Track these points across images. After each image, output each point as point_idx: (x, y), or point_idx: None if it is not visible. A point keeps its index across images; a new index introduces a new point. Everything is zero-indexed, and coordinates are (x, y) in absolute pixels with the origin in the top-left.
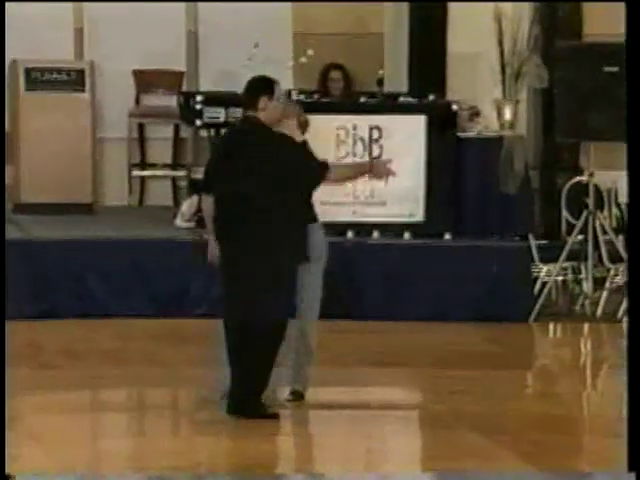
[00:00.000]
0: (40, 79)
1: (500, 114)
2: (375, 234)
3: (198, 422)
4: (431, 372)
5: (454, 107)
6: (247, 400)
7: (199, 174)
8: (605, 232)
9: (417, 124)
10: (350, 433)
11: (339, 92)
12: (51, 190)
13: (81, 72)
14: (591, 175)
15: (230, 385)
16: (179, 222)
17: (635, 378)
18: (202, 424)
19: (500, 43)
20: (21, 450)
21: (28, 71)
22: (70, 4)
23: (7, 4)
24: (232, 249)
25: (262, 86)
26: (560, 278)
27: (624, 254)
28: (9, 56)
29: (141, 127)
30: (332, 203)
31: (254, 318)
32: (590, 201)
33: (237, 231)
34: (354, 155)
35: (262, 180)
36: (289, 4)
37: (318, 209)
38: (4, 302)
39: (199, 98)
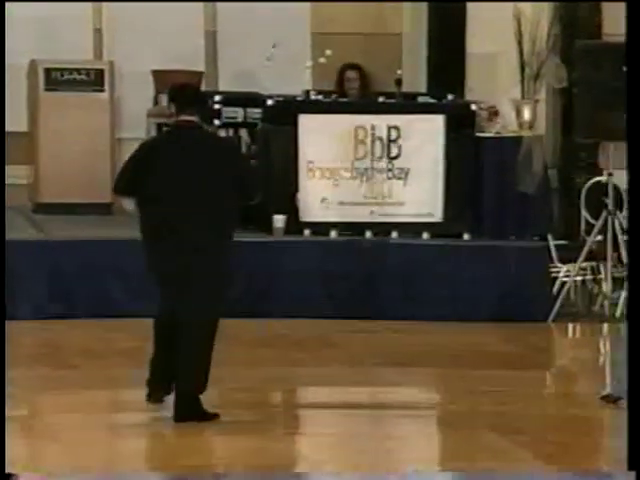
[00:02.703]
0: (59, 79)
1: (519, 114)
2: (394, 234)
3: (216, 421)
4: (450, 372)
5: (473, 107)
6: (197, 402)
7: None
8: (624, 232)
9: (436, 124)
10: (369, 433)
11: (355, 92)
12: (70, 190)
13: (100, 72)
14: (610, 175)
15: (175, 387)
16: None
17: (635, 378)
18: (221, 423)
19: (519, 43)
20: (40, 449)
21: (47, 71)
22: (89, 4)
23: (26, 4)
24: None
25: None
26: (579, 278)
27: None
28: (29, 56)
29: (160, 127)
30: (351, 203)
31: (200, 317)
32: (609, 201)
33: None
34: (372, 155)
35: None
36: (307, 4)
37: (336, 209)
38: (4, 302)
39: (217, 98)
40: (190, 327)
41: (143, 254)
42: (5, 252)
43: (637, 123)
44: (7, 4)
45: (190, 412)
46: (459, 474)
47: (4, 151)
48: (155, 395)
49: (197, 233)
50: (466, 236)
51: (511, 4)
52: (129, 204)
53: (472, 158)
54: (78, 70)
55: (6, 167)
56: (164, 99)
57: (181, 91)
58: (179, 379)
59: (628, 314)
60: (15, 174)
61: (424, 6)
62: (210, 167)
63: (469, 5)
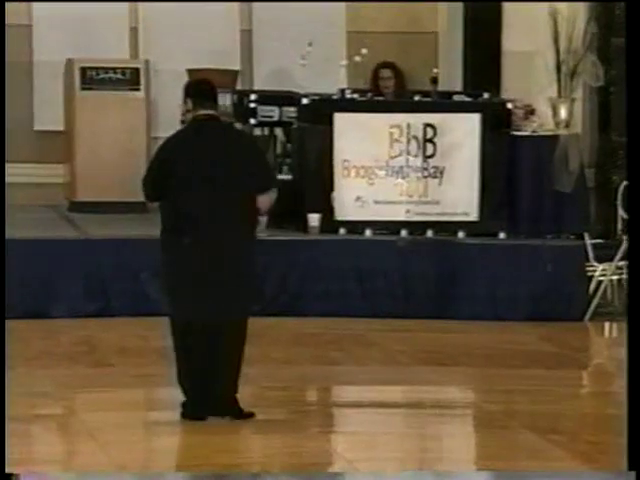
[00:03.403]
0: (95, 78)
1: (555, 112)
2: (429, 233)
3: (251, 420)
4: (486, 371)
5: (509, 105)
6: (236, 401)
7: None
8: None
9: (471, 122)
10: (405, 432)
11: (390, 90)
12: (106, 189)
13: (136, 71)
14: None
15: (209, 387)
16: None
17: (635, 378)
18: (256, 422)
19: (556, 41)
20: (76, 447)
21: (83, 70)
22: (125, 3)
23: (63, 3)
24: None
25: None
26: (615, 277)
27: None
28: (65, 55)
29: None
30: (386, 202)
31: (233, 316)
32: None
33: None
34: (408, 154)
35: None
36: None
37: (372, 208)
38: (4, 302)
39: (253, 97)
40: (226, 328)
41: (164, 253)
42: (5, 252)
43: (637, 122)
44: (45, 4)
45: (229, 412)
46: (495, 473)
47: (4, 150)
48: (201, 413)
49: (224, 228)
50: (502, 235)
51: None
52: None
53: (508, 157)
54: (114, 69)
55: (43, 166)
56: None
57: (197, 86)
58: (218, 381)
59: (628, 314)
60: (52, 173)
61: (460, 4)
62: (233, 160)
63: (505, 3)
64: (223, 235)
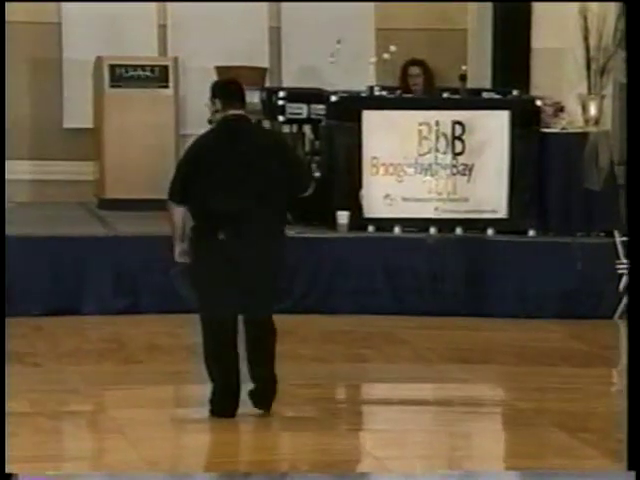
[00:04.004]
0: (124, 75)
1: (585, 110)
2: (458, 230)
3: (281, 417)
4: (516, 369)
5: (538, 103)
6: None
7: None
8: None
9: (500, 120)
10: (434, 430)
11: (419, 88)
12: (135, 186)
13: (165, 68)
14: None
15: (258, 384)
16: None
17: (635, 378)
18: (285, 419)
19: (586, 38)
20: (105, 444)
21: (112, 68)
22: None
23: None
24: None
25: None
26: None
27: None
28: (94, 53)
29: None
30: (415, 199)
31: (268, 312)
32: None
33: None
34: (437, 151)
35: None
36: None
37: (400, 205)
38: (4, 302)
39: (281, 94)
40: (262, 323)
41: (196, 252)
42: (5, 252)
43: (637, 122)
44: (74, 3)
45: (269, 406)
46: (524, 472)
47: (4, 150)
48: (231, 409)
49: (257, 227)
50: (531, 232)
51: None
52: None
53: (537, 154)
54: (143, 66)
55: (72, 163)
56: None
57: (226, 86)
58: (262, 376)
59: (628, 314)
60: (81, 170)
61: (489, 2)
62: (264, 160)
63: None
64: (255, 235)
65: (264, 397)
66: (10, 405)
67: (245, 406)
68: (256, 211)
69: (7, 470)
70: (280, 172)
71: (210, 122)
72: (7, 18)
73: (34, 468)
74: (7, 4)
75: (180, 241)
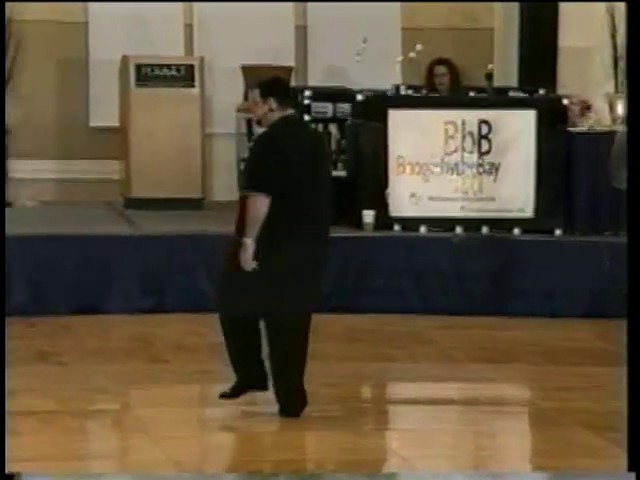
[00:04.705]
0: (150, 75)
1: (612, 108)
2: (484, 229)
3: (307, 417)
4: (542, 369)
5: (565, 101)
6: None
7: None
8: None
9: (527, 119)
10: (460, 429)
11: (445, 87)
12: (161, 185)
13: (191, 68)
14: None
15: (293, 385)
16: None
17: (635, 377)
18: (311, 418)
19: (613, 37)
20: (130, 443)
21: (138, 67)
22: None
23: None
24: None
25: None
26: None
27: None
28: (121, 52)
29: (249, 122)
30: (441, 199)
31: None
32: None
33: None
34: (463, 150)
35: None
36: None
37: (426, 204)
38: (4, 302)
39: (307, 93)
40: (303, 323)
41: (270, 252)
42: (5, 252)
43: (637, 121)
44: (101, 3)
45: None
46: (550, 472)
47: (4, 149)
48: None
49: (322, 228)
50: (558, 232)
51: None
52: None
53: (564, 153)
54: (169, 66)
55: (98, 162)
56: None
57: (280, 85)
58: (297, 376)
59: (628, 314)
60: (107, 169)
61: (516, 2)
62: (325, 160)
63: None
64: (321, 235)
65: (303, 395)
66: (36, 404)
67: (270, 405)
68: (325, 212)
69: (26, 467)
70: (328, 171)
71: (259, 122)
72: (34, 17)
73: (59, 467)
74: (34, 4)
75: (254, 242)
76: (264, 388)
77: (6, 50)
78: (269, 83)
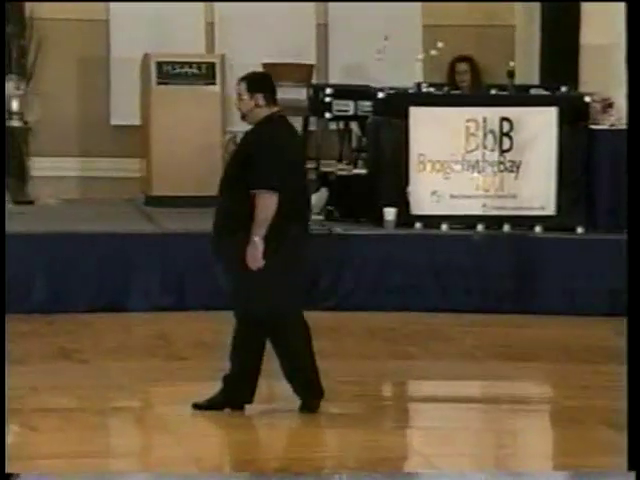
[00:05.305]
0: (171, 73)
1: None
2: (505, 227)
3: (327, 414)
4: (563, 366)
5: (587, 99)
6: None
7: (328, 167)
8: None
9: (549, 116)
10: (481, 427)
11: (466, 84)
12: (182, 183)
13: (212, 65)
14: None
15: (311, 379)
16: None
17: (635, 377)
18: (330, 416)
19: None
20: (150, 440)
21: (160, 65)
22: None
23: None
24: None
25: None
26: None
27: None
28: (142, 50)
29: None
30: (462, 196)
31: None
32: None
33: (303, 228)
34: (484, 148)
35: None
36: None
37: (448, 202)
38: (4, 301)
39: (328, 91)
40: (301, 316)
41: (275, 249)
42: (5, 251)
43: (637, 120)
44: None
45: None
46: (572, 470)
47: (4, 149)
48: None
49: (308, 222)
50: (580, 229)
51: None
52: None
53: (586, 151)
54: (190, 64)
55: (119, 160)
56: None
57: (268, 82)
58: (314, 372)
59: (628, 314)
60: (128, 167)
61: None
62: (304, 156)
63: None
64: (308, 231)
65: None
66: (57, 401)
67: (290, 402)
68: (309, 209)
69: (46, 465)
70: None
71: (244, 117)
72: (56, 16)
73: (79, 464)
74: (56, 3)
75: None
76: (241, 408)
77: (28, 49)
78: (256, 78)
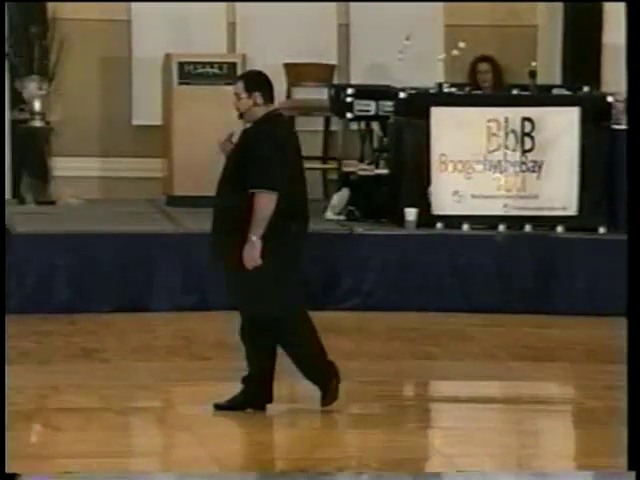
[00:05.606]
0: (193, 73)
1: None
2: (527, 227)
3: (348, 415)
4: (585, 367)
5: (609, 99)
6: None
7: (350, 167)
8: None
9: (571, 116)
10: (503, 428)
11: (488, 84)
12: (203, 183)
13: (233, 66)
14: None
15: (323, 363)
16: (329, 215)
17: (635, 377)
18: (352, 416)
19: None
20: (172, 440)
21: (181, 65)
22: None
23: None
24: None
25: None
26: None
27: None
28: (164, 50)
29: (292, 120)
30: (483, 196)
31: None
32: None
33: (301, 226)
34: (506, 148)
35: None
36: None
37: (469, 202)
38: (4, 301)
39: (350, 91)
40: (304, 311)
41: (277, 248)
42: (5, 250)
43: (637, 120)
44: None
45: None
46: (595, 471)
47: (4, 146)
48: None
49: (307, 221)
50: (602, 230)
51: None
52: None
53: (608, 151)
54: (211, 64)
55: (141, 160)
56: (297, 92)
57: (265, 80)
58: (324, 355)
59: (628, 314)
60: (150, 167)
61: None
62: (301, 155)
63: None
64: (306, 230)
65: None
66: (79, 401)
67: (311, 402)
68: (307, 207)
69: (67, 464)
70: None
71: (241, 116)
72: (78, 16)
73: (100, 464)
74: (78, 3)
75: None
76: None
77: (50, 49)
78: (254, 77)
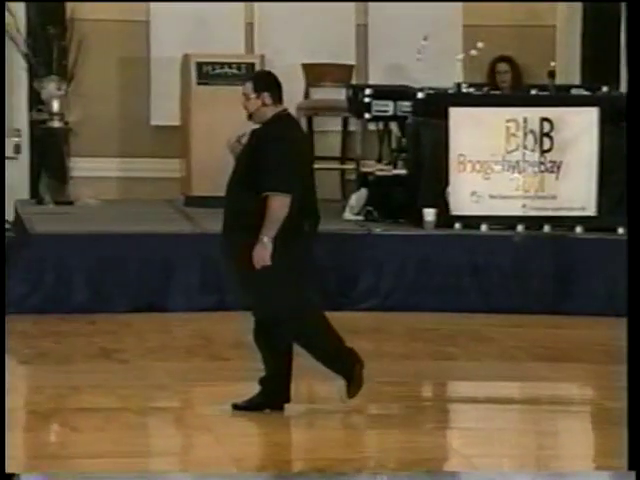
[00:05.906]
0: (211, 73)
1: None
2: (546, 228)
3: (367, 415)
4: (604, 368)
5: None
6: None
7: (368, 167)
8: None
9: (590, 116)
10: (521, 428)
11: (507, 84)
12: (221, 183)
13: (251, 66)
14: None
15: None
16: (347, 215)
17: (635, 377)
18: (370, 416)
19: None
20: (191, 440)
21: (200, 65)
22: None
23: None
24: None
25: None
26: None
27: None
28: (182, 50)
29: (310, 120)
30: (502, 197)
31: None
32: None
33: (311, 226)
34: (524, 148)
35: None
36: None
37: (487, 202)
38: (4, 301)
39: (368, 91)
40: (318, 310)
41: (288, 249)
42: (5, 250)
43: (637, 120)
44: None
45: None
46: (614, 472)
47: (4, 148)
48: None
49: (317, 220)
50: (621, 230)
51: None
52: None
53: (627, 151)
54: (229, 64)
55: (159, 160)
56: (315, 92)
57: (275, 80)
58: (342, 345)
59: (628, 314)
60: (168, 168)
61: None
62: (311, 155)
63: None
64: (316, 230)
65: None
66: (98, 401)
67: (330, 403)
68: (317, 206)
69: (86, 465)
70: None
71: (250, 117)
72: (96, 17)
73: (119, 464)
74: (97, 4)
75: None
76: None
77: (69, 49)
78: (263, 77)
